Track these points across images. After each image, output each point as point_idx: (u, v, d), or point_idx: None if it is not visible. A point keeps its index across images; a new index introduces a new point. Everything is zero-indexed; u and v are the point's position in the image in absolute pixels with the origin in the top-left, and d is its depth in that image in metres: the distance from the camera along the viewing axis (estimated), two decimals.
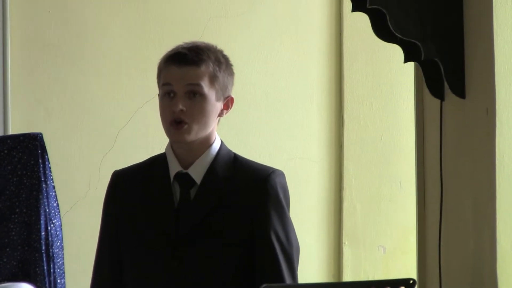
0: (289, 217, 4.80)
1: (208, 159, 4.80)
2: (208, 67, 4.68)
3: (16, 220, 5.70)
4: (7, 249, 5.63)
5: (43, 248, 5.61)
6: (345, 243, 7.34)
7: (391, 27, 4.73)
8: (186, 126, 4.59)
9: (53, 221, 5.66)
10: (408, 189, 6.03)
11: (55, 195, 5.62)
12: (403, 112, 6.06)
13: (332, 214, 7.50)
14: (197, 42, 4.74)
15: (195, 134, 4.65)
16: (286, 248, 4.76)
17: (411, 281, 3.88)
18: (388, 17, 4.74)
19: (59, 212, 5.74)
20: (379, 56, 6.05)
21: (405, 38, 4.78)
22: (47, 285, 5.61)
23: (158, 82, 4.65)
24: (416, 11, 4.84)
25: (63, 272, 5.73)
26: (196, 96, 4.60)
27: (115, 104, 6.98)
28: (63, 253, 5.69)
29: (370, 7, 4.72)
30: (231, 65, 4.70)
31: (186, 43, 4.68)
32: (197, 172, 4.74)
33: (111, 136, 6.64)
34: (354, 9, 4.82)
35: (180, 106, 4.55)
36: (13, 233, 5.67)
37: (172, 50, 4.64)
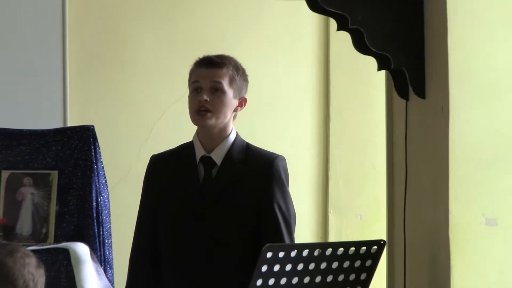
0: (289, 192, 5.02)
1: (226, 146, 4.97)
2: (228, 70, 4.92)
3: (73, 193, 5.64)
4: (66, 216, 5.60)
5: (94, 215, 5.59)
6: (330, 211, 7.37)
7: (367, 43, 4.76)
8: (209, 114, 4.84)
9: (102, 194, 5.67)
10: (380, 170, 6.08)
11: (104, 174, 5.66)
12: (377, 109, 6.11)
13: (320, 189, 7.51)
14: (220, 56, 5.04)
15: (215, 121, 4.86)
16: (286, 216, 4.96)
17: (382, 242, 4.39)
18: (365, 35, 4.78)
19: (107, 187, 5.74)
20: (358, 65, 6.18)
21: (378, 52, 4.81)
22: (97, 244, 5.59)
23: (189, 82, 4.89)
24: (387, 31, 4.84)
25: (110, 235, 5.74)
26: (217, 91, 4.85)
27: (150, 103, 7.03)
28: (110, 220, 5.68)
29: (351, 27, 4.79)
30: (246, 74, 4.97)
31: (211, 57, 5.00)
32: (217, 156, 4.94)
33: (148, 128, 6.79)
34: (339, 28, 4.81)
35: (205, 97, 4.81)
36: (71, 204, 5.60)
37: (202, 57, 4.95)
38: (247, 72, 5.04)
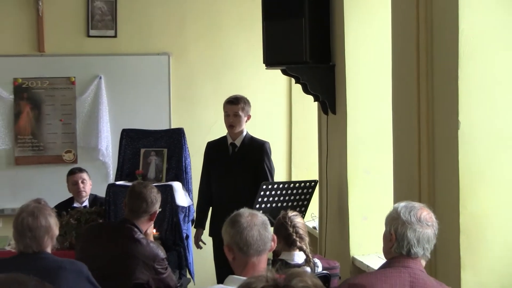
0: (271, 159, 5.47)
1: (241, 137, 5.44)
2: (240, 104, 5.38)
3: (173, 159, 5.52)
4: (170, 170, 5.45)
5: (183, 169, 5.53)
6: (292, 171, 7.13)
7: (309, 89, 5.01)
8: (233, 127, 5.35)
9: (187, 160, 5.58)
10: (315, 153, 5.80)
11: (188, 150, 5.62)
12: (314, 120, 5.67)
13: (286, 162, 7.12)
14: (237, 95, 5.42)
15: (236, 129, 5.38)
16: (270, 170, 5.42)
17: (316, 181, 4.95)
18: (308, 86, 4.98)
19: (189, 156, 5.64)
20: (305, 98, 5.47)
21: (314, 93, 5.07)
22: (185, 182, 5.49)
23: (223, 110, 5.44)
24: (318, 84, 4.94)
25: (191, 179, 5.65)
26: (236, 116, 5.35)
27: (210, 117, 6.77)
28: (191, 172, 5.62)
29: (301, 82, 4.91)
30: (249, 103, 5.43)
31: (233, 95, 5.40)
32: (238, 142, 5.44)
33: (208, 128, 6.65)
34: (296, 82, 5.06)
35: (231, 120, 5.37)
36: (173, 164, 5.50)
37: (228, 98, 5.43)
38: (250, 100, 5.46)
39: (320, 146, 5.47)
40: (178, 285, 4.30)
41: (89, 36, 6.75)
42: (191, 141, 5.96)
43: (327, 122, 5.13)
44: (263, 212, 2.96)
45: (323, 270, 3.85)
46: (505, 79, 2.99)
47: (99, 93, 6.74)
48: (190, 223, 5.54)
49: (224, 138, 5.44)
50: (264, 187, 4.70)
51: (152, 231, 4.28)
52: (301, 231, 3.82)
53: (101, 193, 5.67)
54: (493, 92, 3.00)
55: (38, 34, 6.64)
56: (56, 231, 3.33)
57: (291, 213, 3.91)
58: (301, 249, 3.80)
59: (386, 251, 2.78)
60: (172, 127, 6.64)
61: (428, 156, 3.29)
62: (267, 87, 6.92)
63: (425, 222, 2.68)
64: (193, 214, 5.57)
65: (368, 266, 4.26)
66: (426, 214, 2.73)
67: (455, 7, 3.00)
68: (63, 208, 5.28)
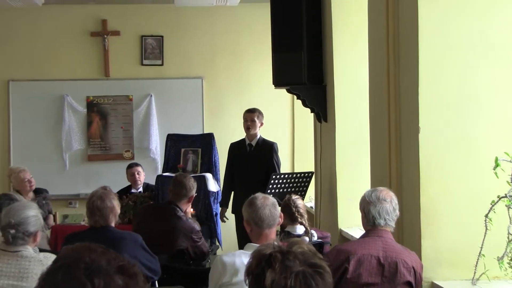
0: (279, 156, 5.42)
1: (256, 139, 5.43)
2: (256, 113, 5.41)
3: (206, 156, 5.52)
4: (203, 164, 5.43)
5: (213, 163, 5.53)
6: (295, 165, 7.09)
7: (307, 104, 4.97)
8: (250, 130, 5.28)
9: (216, 157, 5.55)
10: (311, 154, 5.63)
11: (216, 149, 5.61)
12: (311, 127, 5.40)
13: (290, 158, 7.07)
14: (253, 107, 5.40)
15: (252, 132, 5.34)
16: (278, 164, 5.40)
17: (312, 172, 4.98)
18: (306, 101, 4.88)
19: (217, 154, 5.61)
20: (304, 110, 5.32)
21: (311, 106, 5.00)
22: (214, 173, 5.45)
23: (243, 117, 5.39)
24: (314, 100, 4.87)
25: (219, 171, 5.64)
26: (253, 121, 5.33)
27: (233, 124, 6.50)
28: (219, 168, 5.63)
29: (301, 98, 4.92)
30: (262, 113, 5.43)
31: (250, 108, 5.42)
32: (253, 142, 5.42)
33: (232, 132, 6.36)
34: (297, 98, 5.01)
35: (248, 124, 5.33)
36: (205, 159, 5.45)
37: (247, 109, 5.37)
38: (263, 111, 5.54)
39: (315, 146, 5.41)
40: (210, 250, 4.25)
41: (142, 64, 6.75)
42: (219, 143, 5.92)
43: (320, 128, 5.15)
44: (272, 196, 2.79)
45: (318, 239, 3.83)
46: (455, 95, 2.96)
47: (150, 107, 6.70)
48: (218, 204, 5.47)
49: (243, 140, 5.43)
50: (273, 177, 4.77)
51: (190, 210, 4.23)
52: (301, 210, 3.79)
53: (152, 181, 5.65)
54: (445, 105, 2.98)
55: (104, 63, 6.67)
56: (118, 210, 3.32)
57: (294, 196, 3.88)
58: (301, 223, 3.77)
59: (363, 226, 2.77)
60: (205, 132, 6.58)
61: (396, 153, 3.27)
62: (276, 102, 6.82)
63: (383, 199, 2.67)
64: (221, 197, 5.51)
65: (352, 235, 4.25)
66: (385, 193, 2.72)
67: (416, 38, 2.98)
68: (123, 193, 5.30)
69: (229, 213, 5.48)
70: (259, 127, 5.29)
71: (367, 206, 2.67)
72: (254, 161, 5.25)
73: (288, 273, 1.39)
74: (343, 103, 4.62)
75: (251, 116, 5.25)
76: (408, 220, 3.04)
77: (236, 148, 5.44)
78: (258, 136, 5.31)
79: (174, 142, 5.70)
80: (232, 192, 5.48)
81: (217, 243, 5.34)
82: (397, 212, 2.73)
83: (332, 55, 4.66)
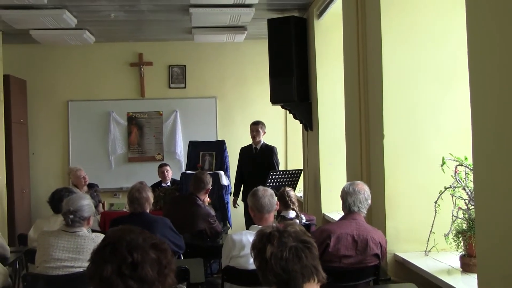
0: (278, 158, 5.27)
1: (260, 144, 5.28)
2: (260, 125, 5.25)
3: (218, 157, 5.47)
4: (216, 163, 5.40)
5: (225, 167, 5.47)
6: (287, 164, 6.85)
7: (298, 117, 4.91)
8: (255, 138, 5.11)
9: (227, 158, 5.51)
10: (300, 157, 5.56)
11: (227, 152, 5.59)
12: (299, 135, 5.43)
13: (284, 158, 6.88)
14: (258, 120, 5.19)
15: (257, 139, 5.18)
16: (277, 163, 5.26)
17: (301, 169, 4.84)
18: (296, 115, 4.86)
19: (228, 156, 5.56)
20: (294, 122, 5.34)
21: (299, 118, 4.79)
22: (226, 170, 5.41)
23: (250, 128, 5.19)
24: (303, 114, 4.78)
25: (229, 169, 5.60)
26: (257, 131, 5.20)
27: (239, 134, 6.43)
28: (229, 167, 5.56)
29: (292, 113, 4.79)
30: (264, 125, 5.25)
31: (255, 120, 5.17)
32: (258, 147, 5.28)
33: (240, 139, 6.17)
34: (289, 112, 4.93)
35: (254, 133, 5.18)
36: (218, 160, 5.41)
37: (253, 121, 5.25)
38: (264, 122, 5.39)
39: (304, 149, 5.36)
40: (222, 230, 4.18)
41: (170, 87, 6.64)
42: (229, 147, 5.88)
43: (307, 135, 5.08)
44: (271, 188, 2.76)
45: (306, 221, 3.80)
46: (411, 109, 2.94)
47: (176, 120, 6.57)
48: (229, 194, 5.40)
49: (250, 145, 5.30)
50: (271, 173, 4.74)
51: (207, 199, 4.20)
52: (293, 199, 3.75)
53: (177, 177, 5.62)
54: (404, 117, 2.95)
55: (141, 87, 6.60)
56: (151, 200, 3.29)
57: (287, 188, 3.85)
58: (293, 209, 3.74)
59: (342, 210, 2.74)
60: (218, 139, 6.48)
61: (366, 154, 3.26)
62: (273, 116, 6.64)
63: (358, 191, 2.66)
64: (231, 189, 5.45)
65: (332, 218, 4.19)
66: (360, 186, 2.71)
67: (380, 65, 2.97)
68: (156, 187, 5.28)
69: (239, 201, 5.31)
70: (262, 135, 5.19)
71: (345, 196, 2.66)
72: (259, 161, 5.13)
73: (284, 247, 1.41)
74: (324, 116, 4.53)
75: (256, 128, 5.15)
76: (376, 206, 3.01)
77: (245, 151, 5.33)
78: (262, 142, 5.21)
79: (194, 147, 5.60)
80: (242, 185, 5.31)
81: (228, 225, 5.24)
82: (369, 201, 2.71)
83: (316, 78, 4.55)
